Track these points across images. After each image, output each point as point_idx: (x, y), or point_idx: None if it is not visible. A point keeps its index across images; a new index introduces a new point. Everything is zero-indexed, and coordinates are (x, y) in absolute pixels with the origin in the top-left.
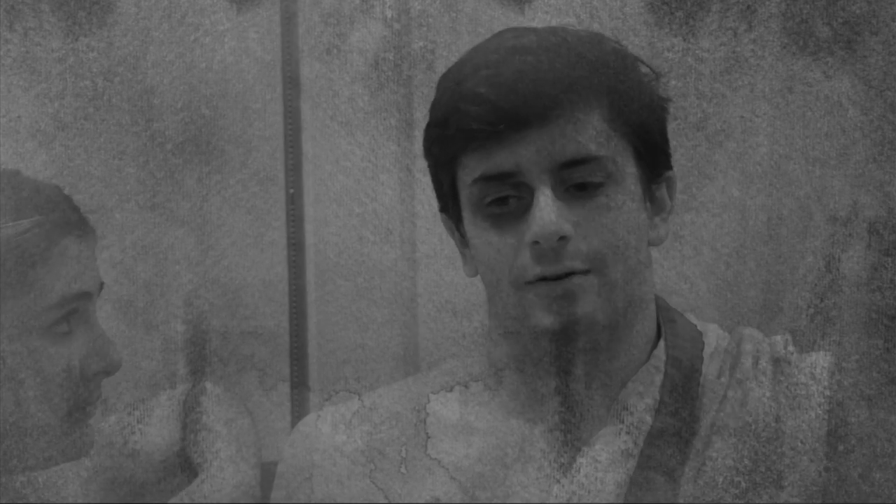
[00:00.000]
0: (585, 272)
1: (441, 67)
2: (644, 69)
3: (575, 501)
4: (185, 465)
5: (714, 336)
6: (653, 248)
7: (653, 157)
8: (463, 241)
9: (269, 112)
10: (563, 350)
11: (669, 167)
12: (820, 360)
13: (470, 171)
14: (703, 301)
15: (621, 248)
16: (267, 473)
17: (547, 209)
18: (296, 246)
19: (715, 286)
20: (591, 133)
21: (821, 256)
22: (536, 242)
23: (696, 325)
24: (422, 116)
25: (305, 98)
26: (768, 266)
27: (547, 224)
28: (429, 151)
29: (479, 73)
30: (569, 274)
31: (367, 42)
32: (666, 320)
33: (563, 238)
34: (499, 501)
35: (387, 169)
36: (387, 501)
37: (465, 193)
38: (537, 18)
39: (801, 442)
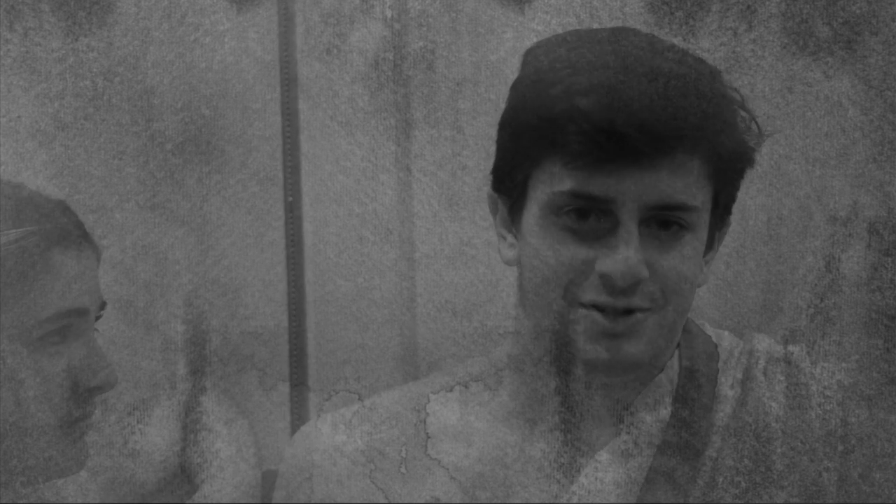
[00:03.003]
0: (645, 310)
1: (441, 67)
2: (749, 120)
3: (575, 501)
4: (185, 466)
5: (727, 347)
6: None
7: (727, 207)
8: (509, 225)
9: (269, 112)
10: (605, 384)
11: (730, 213)
12: (824, 371)
13: (557, 180)
14: (703, 301)
15: (685, 290)
16: (267, 482)
17: (632, 249)
18: (294, 245)
19: (715, 286)
20: (690, 181)
21: (821, 256)
22: (610, 276)
23: (711, 337)
24: (422, 116)
25: (305, 98)
26: (768, 266)
27: (629, 266)
28: (515, 137)
29: (596, 90)
30: (629, 311)
31: (367, 42)
32: (683, 332)
33: (637, 280)
34: (499, 501)
35: (386, 169)
36: (387, 501)
37: (543, 196)
38: (537, 18)
39: (801, 442)
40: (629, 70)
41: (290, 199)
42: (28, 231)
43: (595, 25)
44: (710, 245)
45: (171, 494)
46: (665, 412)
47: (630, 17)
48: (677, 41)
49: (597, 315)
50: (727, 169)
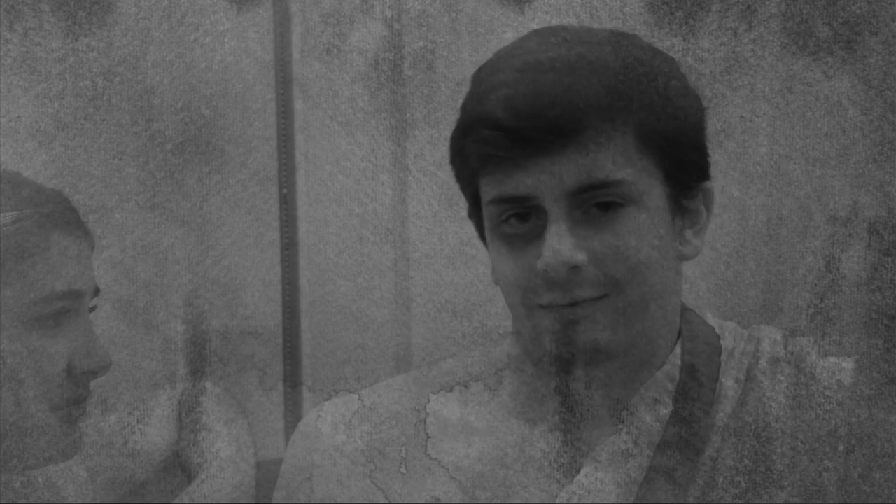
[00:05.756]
0: (598, 298)
1: (441, 67)
2: (684, 80)
3: (575, 502)
4: (185, 466)
5: (731, 338)
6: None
7: (684, 173)
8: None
9: (269, 112)
10: (577, 377)
11: (706, 178)
12: (832, 366)
13: (487, 190)
14: (703, 301)
15: (641, 269)
16: (265, 472)
17: (558, 238)
18: (290, 245)
19: (715, 286)
20: (612, 156)
21: (821, 256)
22: (545, 272)
23: (713, 328)
24: (422, 116)
25: (305, 98)
26: (768, 266)
27: (557, 255)
28: (453, 160)
29: (498, 92)
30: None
31: (367, 42)
32: (684, 322)
33: (574, 267)
34: (499, 501)
35: (386, 169)
36: (387, 501)
37: (485, 210)
38: (537, 18)
39: (802, 442)
40: (532, 66)
41: (285, 190)
42: (26, 213)
43: (595, 26)
44: (689, 215)
45: (170, 495)
46: (665, 411)
47: (630, 17)
48: (677, 41)
49: (552, 310)
50: (662, 136)
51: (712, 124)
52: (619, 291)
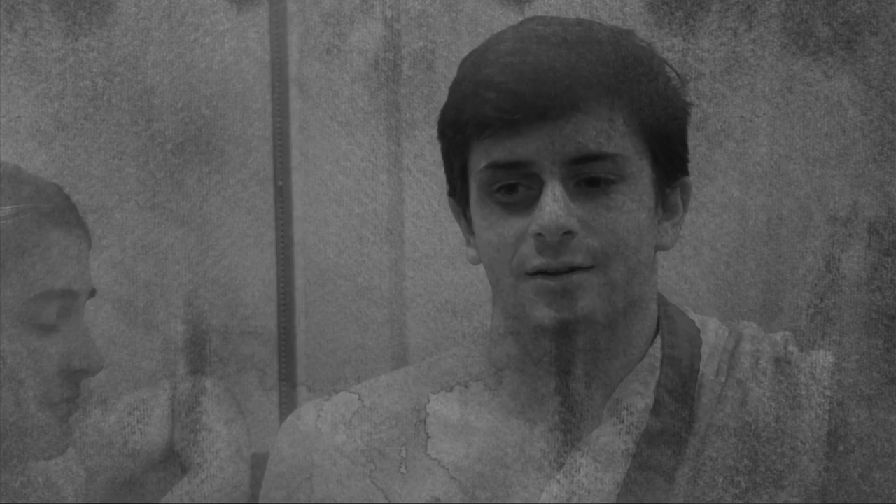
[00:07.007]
0: (587, 268)
1: (441, 67)
2: (670, 73)
3: (575, 501)
4: (185, 466)
5: (713, 332)
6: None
7: (669, 162)
8: (469, 227)
9: (269, 112)
10: (563, 349)
11: (685, 173)
12: (820, 360)
13: (482, 156)
14: (703, 301)
15: (624, 245)
16: (264, 471)
17: (555, 203)
18: (285, 242)
19: (715, 286)
20: (608, 131)
21: (821, 256)
22: (540, 234)
23: (694, 322)
24: (422, 116)
25: (305, 98)
26: (768, 266)
27: (553, 217)
28: (443, 133)
29: (501, 60)
30: (570, 270)
31: (367, 42)
32: (664, 317)
33: (567, 233)
34: (499, 501)
35: (387, 169)
36: (387, 501)
37: (475, 178)
38: None
39: (801, 442)
40: (535, 38)
41: (280, 183)
42: (24, 207)
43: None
44: (668, 207)
45: (170, 495)
46: (647, 403)
47: (630, 17)
48: (677, 41)
49: (541, 279)
50: (653, 116)
51: (712, 124)
52: (606, 266)
